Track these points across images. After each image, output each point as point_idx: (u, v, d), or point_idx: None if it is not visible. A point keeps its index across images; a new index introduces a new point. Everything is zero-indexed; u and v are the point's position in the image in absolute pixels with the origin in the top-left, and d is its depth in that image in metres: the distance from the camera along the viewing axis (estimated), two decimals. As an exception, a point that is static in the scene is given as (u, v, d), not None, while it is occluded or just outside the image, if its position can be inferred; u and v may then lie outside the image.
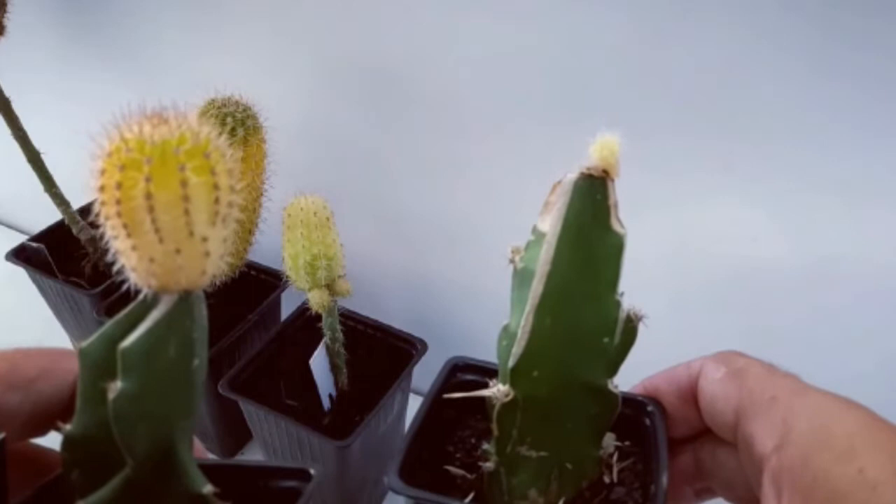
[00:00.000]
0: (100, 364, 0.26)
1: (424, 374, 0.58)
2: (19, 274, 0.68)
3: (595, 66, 0.50)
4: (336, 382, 0.57)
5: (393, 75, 0.58)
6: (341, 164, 0.66)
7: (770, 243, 0.50)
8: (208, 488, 0.29)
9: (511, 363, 0.29)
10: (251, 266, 0.64)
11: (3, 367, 0.27)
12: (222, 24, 0.64)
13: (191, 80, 0.68)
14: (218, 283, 0.58)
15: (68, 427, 0.27)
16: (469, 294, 0.66)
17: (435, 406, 0.35)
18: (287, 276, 0.51)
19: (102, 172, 0.22)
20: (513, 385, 0.30)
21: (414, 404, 0.60)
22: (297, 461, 0.54)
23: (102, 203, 0.23)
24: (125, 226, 0.23)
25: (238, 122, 0.51)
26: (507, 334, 0.30)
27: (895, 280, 0.48)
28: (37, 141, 0.63)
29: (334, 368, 0.57)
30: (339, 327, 0.55)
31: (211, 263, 0.25)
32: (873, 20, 0.41)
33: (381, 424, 0.55)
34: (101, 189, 0.23)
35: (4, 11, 0.60)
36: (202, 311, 0.26)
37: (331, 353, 0.56)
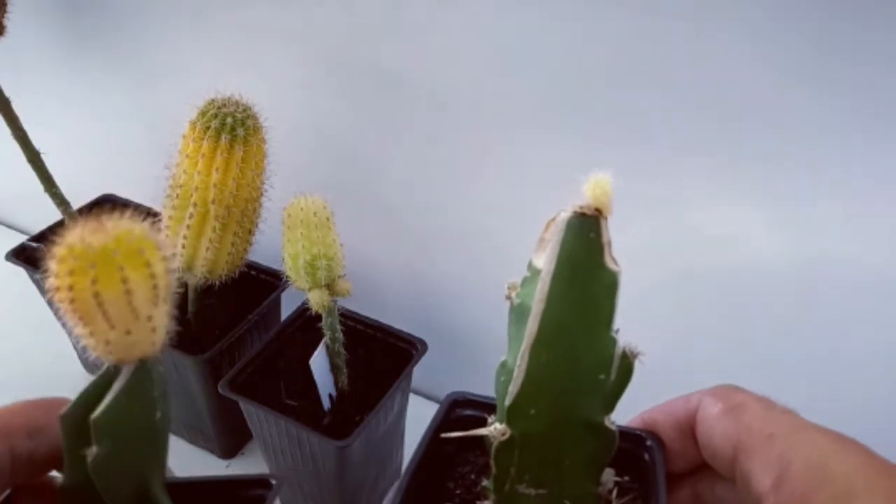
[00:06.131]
0: (77, 427, 0.30)
1: (424, 374, 0.59)
2: (19, 274, 0.68)
3: (596, 68, 0.50)
4: (336, 382, 0.57)
5: (393, 76, 0.58)
6: (341, 164, 0.66)
7: (771, 244, 0.50)
8: None
9: (507, 402, 0.29)
10: (251, 266, 0.64)
11: (20, 420, 0.31)
12: (222, 25, 0.64)
13: (191, 81, 0.68)
14: (218, 283, 0.58)
15: (60, 479, 0.32)
16: (469, 294, 0.66)
17: (434, 443, 0.35)
18: (287, 276, 0.51)
19: (56, 276, 0.27)
20: (509, 423, 0.30)
21: (414, 404, 0.61)
22: (297, 462, 0.54)
23: (59, 300, 0.27)
24: (81, 318, 0.27)
25: (238, 122, 0.51)
26: (505, 371, 0.30)
27: None
28: (37, 141, 0.63)
29: (334, 368, 0.57)
30: (339, 327, 0.55)
31: (159, 335, 0.30)
32: (872, 22, 0.41)
33: (381, 424, 0.55)
34: (57, 289, 0.27)
35: (4, 11, 0.60)
36: (159, 371, 0.31)
37: (331, 353, 0.56)
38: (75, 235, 0.27)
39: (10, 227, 0.96)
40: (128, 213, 0.28)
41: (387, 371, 0.56)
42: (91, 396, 0.30)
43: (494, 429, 0.30)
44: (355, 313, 0.60)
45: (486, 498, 0.33)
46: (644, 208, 0.53)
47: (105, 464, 0.30)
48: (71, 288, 0.26)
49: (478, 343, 0.67)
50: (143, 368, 0.30)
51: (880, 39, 0.41)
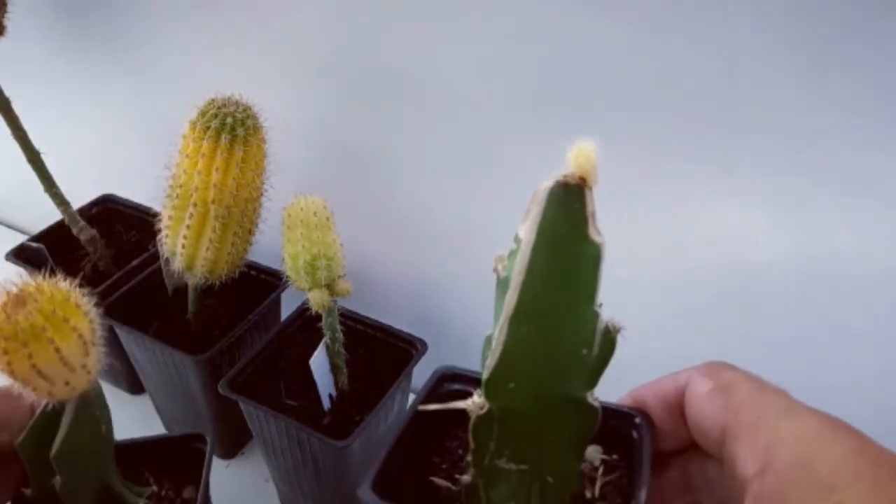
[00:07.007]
0: (35, 453, 0.34)
1: (424, 374, 0.59)
2: (19, 274, 0.68)
3: (596, 66, 0.50)
4: (336, 382, 0.57)
5: (394, 75, 0.58)
6: (341, 164, 0.66)
7: (771, 243, 0.50)
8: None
9: (485, 375, 0.29)
10: (251, 266, 0.64)
11: None
12: (223, 25, 0.64)
13: (191, 81, 0.68)
14: (218, 283, 0.58)
15: (28, 492, 0.37)
16: (469, 293, 0.66)
17: (418, 417, 0.34)
18: (287, 276, 0.51)
19: None
20: (488, 397, 0.29)
21: (414, 404, 0.61)
22: (297, 462, 0.54)
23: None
24: (23, 382, 0.31)
25: (238, 122, 0.51)
26: (489, 344, 0.29)
27: None
28: (37, 141, 0.63)
29: (334, 368, 0.57)
30: (339, 327, 0.55)
31: (94, 373, 0.34)
32: (876, 18, 0.41)
33: (381, 424, 0.55)
34: None
35: (5, 11, 0.60)
36: (98, 394, 0.36)
37: (331, 353, 0.56)
38: (0, 314, 0.30)
39: (10, 227, 0.96)
40: (43, 273, 0.32)
41: (387, 371, 0.56)
42: (40, 425, 0.34)
43: (472, 402, 0.30)
44: (355, 313, 0.60)
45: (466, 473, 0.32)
46: (644, 207, 0.53)
47: (70, 486, 0.35)
48: (9, 363, 0.30)
49: (478, 343, 0.67)
50: (84, 398, 0.34)
51: (880, 40, 0.41)
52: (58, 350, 0.30)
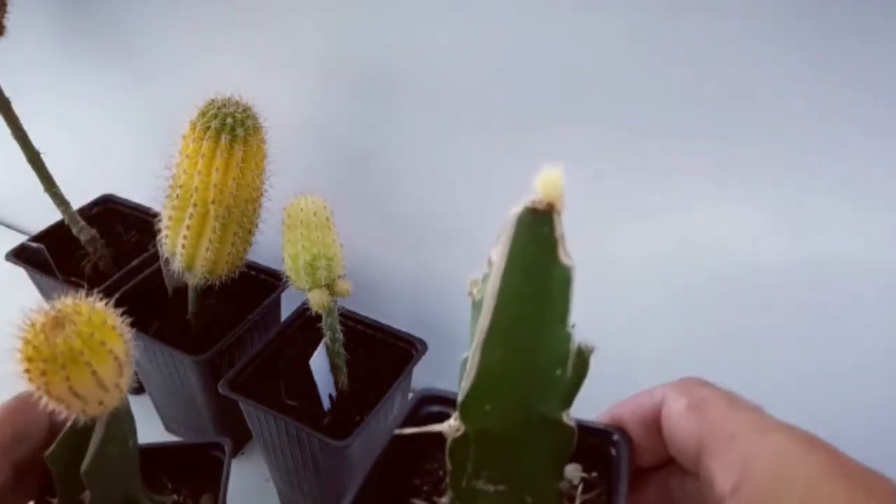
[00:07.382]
0: (65, 465, 0.35)
1: (424, 374, 0.59)
2: (19, 274, 0.68)
3: (595, 66, 0.50)
4: (336, 382, 0.57)
5: (393, 75, 0.58)
6: (341, 164, 0.66)
7: (770, 244, 0.50)
8: None
9: (461, 397, 0.29)
10: (251, 266, 0.64)
11: (8, 432, 0.35)
12: (223, 25, 0.64)
13: (191, 81, 0.68)
14: (218, 283, 0.58)
15: (54, 502, 0.37)
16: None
17: (399, 440, 0.34)
18: (287, 276, 0.51)
19: (27, 371, 0.30)
20: (464, 419, 0.30)
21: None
22: (297, 462, 0.54)
23: (36, 386, 0.31)
24: (57, 401, 0.31)
25: (238, 122, 0.51)
26: (464, 367, 0.30)
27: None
28: (37, 141, 0.63)
29: (334, 368, 0.57)
30: (339, 327, 0.55)
31: (126, 391, 0.34)
32: (874, 18, 0.41)
33: (381, 424, 0.55)
34: (30, 380, 0.30)
35: (4, 11, 0.60)
36: (126, 410, 0.36)
37: (331, 353, 0.56)
38: (38, 336, 0.30)
39: (9, 227, 0.96)
40: (81, 293, 0.32)
41: (387, 371, 0.56)
42: (70, 439, 0.35)
43: (448, 425, 0.30)
44: (355, 313, 0.60)
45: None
46: (644, 208, 0.53)
47: (99, 500, 0.37)
48: (47, 384, 0.30)
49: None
50: (115, 416, 0.35)
51: (882, 36, 0.41)
52: (94, 373, 0.31)
